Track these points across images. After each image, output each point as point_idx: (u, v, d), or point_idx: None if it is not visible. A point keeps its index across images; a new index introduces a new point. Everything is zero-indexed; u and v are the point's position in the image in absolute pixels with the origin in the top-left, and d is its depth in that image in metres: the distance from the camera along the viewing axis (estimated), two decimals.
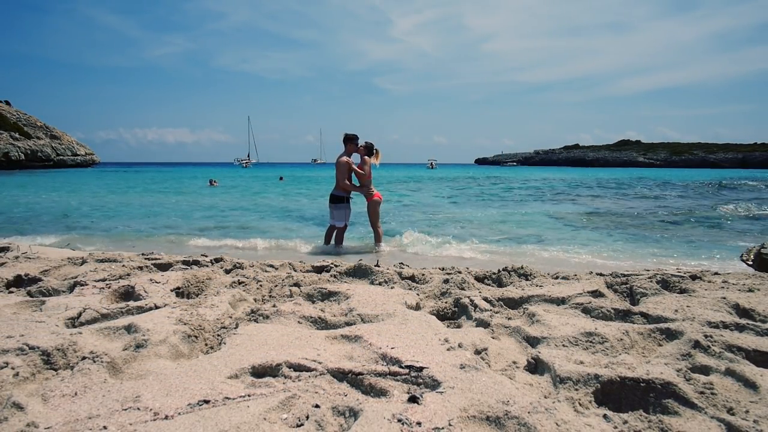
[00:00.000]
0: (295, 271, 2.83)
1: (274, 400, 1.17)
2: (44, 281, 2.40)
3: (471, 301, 2.07)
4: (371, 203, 5.46)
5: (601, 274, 2.84)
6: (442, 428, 1.04)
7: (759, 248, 3.95)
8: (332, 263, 2.87)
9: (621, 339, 1.59)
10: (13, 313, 1.87)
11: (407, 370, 1.32)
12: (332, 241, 5.50)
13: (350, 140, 5.42)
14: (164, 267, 2.84)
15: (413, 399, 1.18)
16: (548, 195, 16.79)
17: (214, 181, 24.52)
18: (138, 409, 1.12)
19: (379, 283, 2.47)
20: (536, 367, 1.44)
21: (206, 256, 3.23)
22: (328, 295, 2.14)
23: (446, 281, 2.51)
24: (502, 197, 15.90)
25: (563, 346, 1.57)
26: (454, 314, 2.09)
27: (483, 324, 1.84)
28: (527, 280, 2.62)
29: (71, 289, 2.24)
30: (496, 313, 2.00)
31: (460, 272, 2.79)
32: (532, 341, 1.65)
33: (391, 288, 2.32)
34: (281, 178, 28.57)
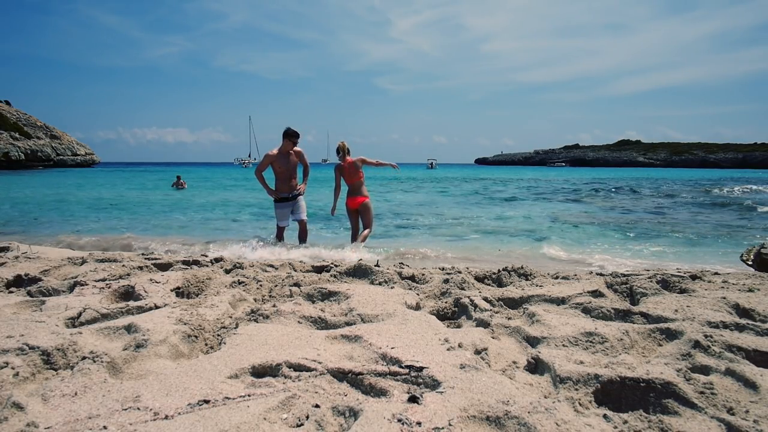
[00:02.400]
0: (295, 271, 2.83)
1: (274, 400, 1.17)
2: (44, 281, 2.40)
3: (471, 301, 2.07)
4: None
5: (601, 274, 2.84)
6: (442, 428, 1.04)
7: (759, 248, 3.95)
8: (332, 263, 2.87)
9: (621, 339, 1.59)
10: (13, 313, 1.87)
11: (407, 370, 1.32)
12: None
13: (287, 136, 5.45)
14: (164, 267, 2.84)
15: (413, 399, 1.18)
16: (548, 194, 16.79)
17: (182, 182, 19.83)
18: (138, 409, 1.12)
19: (379, 283, 2.47)
20: (536, 367, 1.44)
21: (206, 256, 3.23)
22: (328, 295, 2.14)
23: (446, 281, 2.51)
24: (502, 197, 15.90)
25: (563, 346, 1.57)
26: (454, 314, 2.09)
27: (483, 324, 1.84)
28: (527, 280, 2.62)
29: (71, 289, 2.24)
30: (496, 313, 2.00)
31: (460, 272, 2.78)
32: (532, 341, 1.65)
33: (391, 288, 2.32)
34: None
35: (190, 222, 8.71)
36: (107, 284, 2.25)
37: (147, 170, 56.36)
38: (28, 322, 1.64)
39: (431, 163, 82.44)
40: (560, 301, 2.09)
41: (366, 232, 5.29)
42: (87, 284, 2.25)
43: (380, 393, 1.24)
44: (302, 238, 5.57)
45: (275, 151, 5.40)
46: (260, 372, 1.36)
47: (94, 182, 24.57)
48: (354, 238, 5.36)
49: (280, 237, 5.48)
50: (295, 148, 5.47)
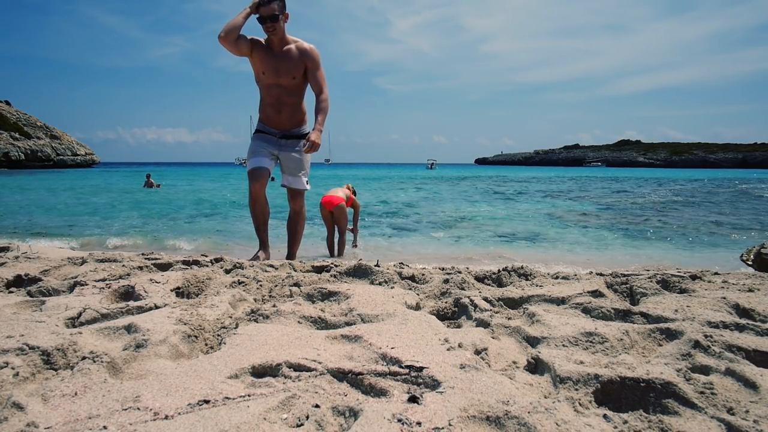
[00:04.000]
0: (295, 271, 2.83)
1: (274, 400, 1.17)
2: (44, 281, 2.40)
3: (471, 301, 2.07)
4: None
5: (601, 274, 2.84)
6: (442, 428, 1.04)
7: (759, 248, 3.95)
8: (332, 263, 2.87)
9: (621, 339, 1.59)
10: (13, 313, 1.87)
11: (407, 370, 1.32)
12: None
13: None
14: (164, 267, 2.84)
15: (413, 399, 1.18)
16: (547, 193, 16.78)
17: (152, 182, 18.15)
18: (138, 409, 1.12)
19: (379, 283, 2.47)
20: (536, 367, 1.44)
21: (206, 256, 3.23)
22: (328, 295, 2.14)
23: (446, 281, 2.51)
24: (502, 196, 15.90)
25: (563, 346, 1.57)
26: (454, 314, 2.09)
27: (483, 324, 1.84)
28: (527, 280, 2.62)
29: (71, 289, 2.24)
30: (496, 313, 2.00)
31: (460, 272, 2.78)
32: (532, 341, 1.65)
33: (391, 288, 2.32)
34: (272, 179, 27.61)
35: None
36: (107, 284, 2.25)
37: (135, 171, 55.66)
38: (28, 322, 1.64)
39: (431, 164, 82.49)
40: (560, 301, 2.09)
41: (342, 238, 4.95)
42: (87, 284, 2.25)
43: (380, 393, 1.24)
44: (291, 227, 3.56)
45: (263, 40, 3.21)
46: (260, 372, 1.36)
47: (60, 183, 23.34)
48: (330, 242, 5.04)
49: (255, 198, 3.27)
50: (298, 43, 3.16)
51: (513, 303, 2.14)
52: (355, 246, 5.47)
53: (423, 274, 2.70)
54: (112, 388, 1.22)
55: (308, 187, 3.51)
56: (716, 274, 2.98)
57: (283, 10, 3.17)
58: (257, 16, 3.18)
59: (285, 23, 3.23)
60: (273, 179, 3.76)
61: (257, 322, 1.78)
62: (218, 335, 1.68)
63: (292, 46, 3.20)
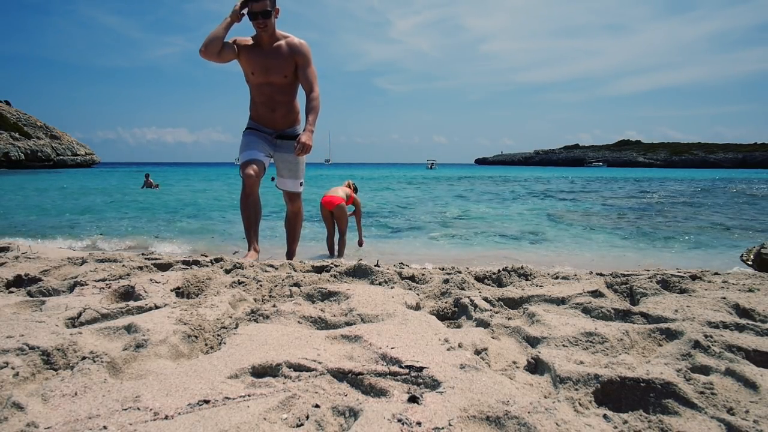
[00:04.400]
0: (295, 271, 2.83)
1: (274, 400, 1.17)
2: (44, 281, 2.40)
3: (471, 301, 2.07)
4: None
5: (601, 274, 2.84)
6: (442, 428, 1.04)
7: (759, 248, 3.95)
8: (332, 263, 2.87)
9: (621, 339, 1.59)
10: (13, 313, 1.87)
11: (407, 370, 1.32)
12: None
13: None
14: (164, 267, 2.84)
15: (413, 399, 1.18)
16: (547, 193, 16.79)
17: (151, 182, 18.17)
18: (138, 409, 1.12)
19: (379, 283, 2.47)
20: (536, 367, 1.44)
21: (206, 256, 3.23)
22: (328, 295, 2.14)
23: (446, 281, 2.51)
24: (502, 196, 15.90)
25: (563, 346, 1.57)
26: (454, 314, 2.09)
27: (483, 324, 1.84)
28: (527, 280, 2.62)
29: (71, 289, 2.24)
30: (496, 313, 2.00)
31: (460, 272, 2.79)
32: (532, 341, 1.65)
33: (391, 288, 2.32)
34: (273, 179, 27.55)
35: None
36: (107, 284, 2.25)
37: (135, 171, 55.46)
38: (28, 322, 1.64)
39: (431, 164, 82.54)
40: (560, 301, 2.09)
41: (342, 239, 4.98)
42: (87, 284, 2.25)
43: (380, 393, 1.24)
44: (290, 226, 3.58)
45: (249, 39, 3.11)
46: (260, 372, 1.36)
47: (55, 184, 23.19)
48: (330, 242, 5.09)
49: (249, 192, 3.14)
50: (289, 39, 3.10)
51: (513, 303, 2.14)
52: (361, 244, 5.48)
53: (423, 274, 2.70)
54: (112, 388, 1.22)
55: (302, 189, 3.53)
56: (716, 274, 2.98)
57: (274, 6, 3.06)
58: (248, 12, 3.04)
59: (276, 19, 3.12)
60: (273, 179, 3.76)
61: (257, 322, 1.78)
62: (218, 335, 1.68)
63: (282, 42, 3.10)
